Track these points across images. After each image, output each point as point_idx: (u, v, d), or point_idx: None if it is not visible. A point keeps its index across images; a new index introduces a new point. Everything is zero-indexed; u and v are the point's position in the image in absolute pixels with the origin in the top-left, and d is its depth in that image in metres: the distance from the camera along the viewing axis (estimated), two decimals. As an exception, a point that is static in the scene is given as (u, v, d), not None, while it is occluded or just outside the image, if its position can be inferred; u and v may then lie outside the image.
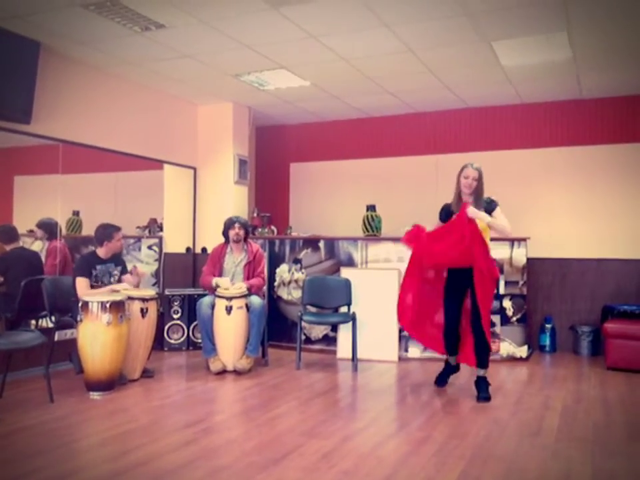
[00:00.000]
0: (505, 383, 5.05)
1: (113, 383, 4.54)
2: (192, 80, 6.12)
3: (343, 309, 5.87)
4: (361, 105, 7.04)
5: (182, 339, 6.33)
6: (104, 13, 4.37)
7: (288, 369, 5.46)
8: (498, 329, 5.86)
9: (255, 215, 7.27)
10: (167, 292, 6.40)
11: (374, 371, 5.45)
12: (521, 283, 5.92)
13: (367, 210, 6.40)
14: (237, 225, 5.50)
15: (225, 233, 5.58)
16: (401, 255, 6.00)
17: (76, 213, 6.11)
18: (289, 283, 6.58)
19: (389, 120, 7.43)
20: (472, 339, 4.51)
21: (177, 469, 3.04)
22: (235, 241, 5.52)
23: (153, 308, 4.99)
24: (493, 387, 4.57)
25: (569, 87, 6.13)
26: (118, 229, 5.03)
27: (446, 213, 4.59)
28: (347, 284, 5.87)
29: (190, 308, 6.24)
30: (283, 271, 6.63)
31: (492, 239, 4.54)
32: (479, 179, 4.44)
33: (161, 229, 6.98)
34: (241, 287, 5.32)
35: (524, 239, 5.90)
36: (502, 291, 5.87)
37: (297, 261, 6.57)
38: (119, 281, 5.07)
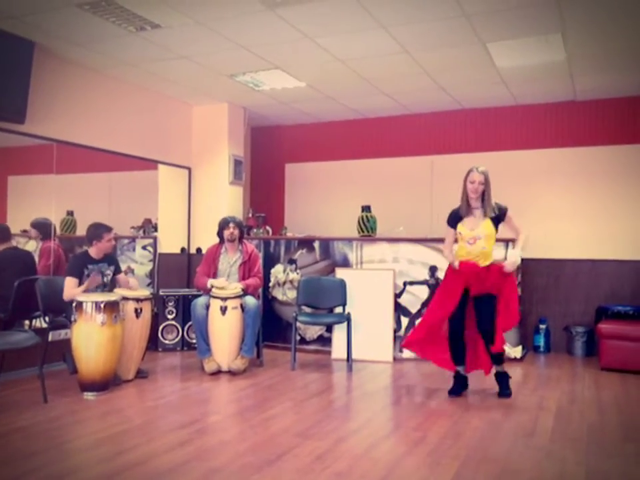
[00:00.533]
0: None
1: (107, 383, 4.53)
2: (187, 80, 6.11)
3: (338, 310, 5.87)
4: (356, 106, 7.04)
5: (176, 340, 6.32)
6: (99, 12, 4.36)
7: (283, 370, 5.46)
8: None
9: (250, 215, 7.26)
10: (161, 292, 6.39)
11: (369, 371, 5.45)
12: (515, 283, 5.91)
13: (362, 210, 6.40)
14: (231, 225, 5.49)
15: (220, 233, 5.57)
16: (396, 255, 6.02)
17: (70, 213, 6.08)
18: (284, 283, 6.57)
19: (385, 121, 7.44)
20: (481, 345, 4.44)
21: (172, 470, 3.03)
22: (229, 240, 5.51)
23: (147, 308, 4.98)
24: (487, 389, 4.58)
25: (563, 88, 6.15)
26: (109, 229, 4.98)
27: (454, 219, 4.49)
28: (341, 284, 5.87)
29: (184, 308, 6.22)
30: (277, 272, 6.62)
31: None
32: (486, 183, 4.33)
33: (156, 229, 6.96)
34: (236, 287, 5.32)
35: (518, 240, 5.90)
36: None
37: (292, 262, 6.56)
38: (112, 280, 5.05)
